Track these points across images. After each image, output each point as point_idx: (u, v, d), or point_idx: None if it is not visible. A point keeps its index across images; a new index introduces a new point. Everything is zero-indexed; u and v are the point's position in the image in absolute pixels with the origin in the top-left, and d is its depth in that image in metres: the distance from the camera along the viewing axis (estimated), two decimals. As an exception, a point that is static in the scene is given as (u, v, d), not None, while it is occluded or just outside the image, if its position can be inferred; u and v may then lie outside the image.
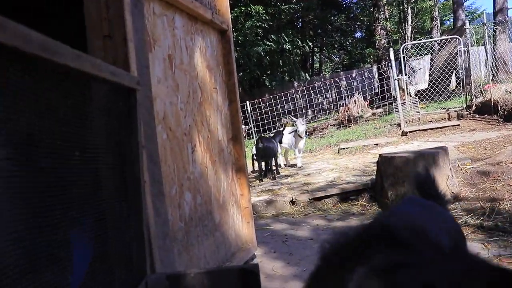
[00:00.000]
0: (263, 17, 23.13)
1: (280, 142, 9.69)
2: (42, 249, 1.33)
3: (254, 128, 17.01)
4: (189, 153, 3.02)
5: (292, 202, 6.35)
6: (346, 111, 16.93)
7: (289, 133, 10.01)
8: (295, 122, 10.07)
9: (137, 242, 2.06)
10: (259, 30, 23.31)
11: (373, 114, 16.92)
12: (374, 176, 6.11)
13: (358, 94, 18.36)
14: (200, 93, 3.32)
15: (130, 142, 2.06)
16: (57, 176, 1.47)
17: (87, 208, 1.69)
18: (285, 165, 10.78)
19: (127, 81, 2.00)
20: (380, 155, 5.67)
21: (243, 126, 15.22)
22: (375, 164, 6.01)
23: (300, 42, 26.33)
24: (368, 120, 16.13)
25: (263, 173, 9.16)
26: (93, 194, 1.74)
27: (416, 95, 15.86)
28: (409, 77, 15.02)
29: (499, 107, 11.67)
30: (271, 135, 10.11)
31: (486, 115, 12.04)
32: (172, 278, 2.05)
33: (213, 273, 2.03)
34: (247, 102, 16.56)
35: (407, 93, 14.54)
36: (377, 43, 24.04)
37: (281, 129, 10.49)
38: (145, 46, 2.47)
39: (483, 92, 12.97)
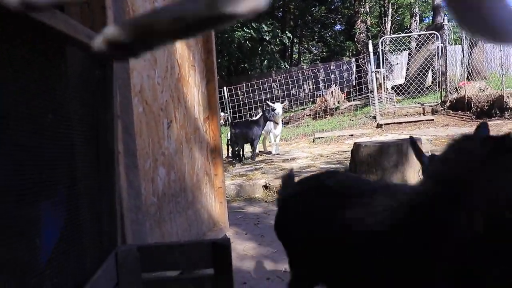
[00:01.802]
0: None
1: (264, 125, 9.71)
2: (9, 216, 1.29)
3: (230, 115, 16.97)
4: (165, 129, 2.99)
5: (266, 187, 6.37)
6: (323, 102, 17.01)
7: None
8: (271, 106, 10.12)
9: (109, 213, 2.04)
10: (239, 17, 23.20)
11: (350, 106, 17.03)
12: (348, 165, 6.16)
13: (336, 85, 18.45)
14: (178, 69, 3.28)
15: (105, 111, 2.03)
16: (28, 136, 1.43)
17: (58, 174, 1.66)
18: (260, 152, 10.81)
19: (104, 48, 1.96)
20: (355, 143, 5.72)
21: (221, 114, 15.22)
22: (349, 153, 6.07)
23: (280, 32, 26.29)
24: (344, 112, 16.25)
25: (237, 158, 9.23)
26: (65, 160, 1.71)
27: (392, 88, 16.03)
28: (386, 71, 15.16)
29: (473, 104, 11.90)
30: (255, 118, 10.21)
31: (459, 111, 12.27)
32: (143, 250, 2.03)
33: (184, 246, 2.02)
34: (225, 87, 16.49)
35: (384, 89, 14.67)
36: (356, 36, 24.16)
37: (257, 116, 10.54)
38: (124, 16, 2.43)
39: (458, 89, 13.19)
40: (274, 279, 3.45)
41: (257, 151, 10.54)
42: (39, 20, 1.32)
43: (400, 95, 15.41)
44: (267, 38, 24.50)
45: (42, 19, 1.34)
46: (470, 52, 13.61)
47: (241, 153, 9.36)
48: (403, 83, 16.29)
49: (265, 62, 26.29)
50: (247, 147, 10.06)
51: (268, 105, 10.57)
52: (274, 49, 27.55)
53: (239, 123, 9.77)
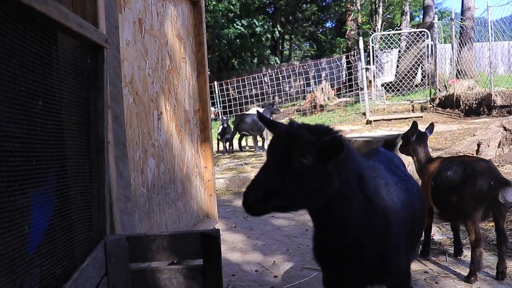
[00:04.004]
0: (233, 1, 23.06)
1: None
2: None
3: (221, 109, 16.96)
4: (155, 120, 2.99)
5: (255, 181, 6.39)
6: (313, 98, 17.03)
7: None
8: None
9: (98, 202, 2.03)
10: (230, 14, 23.21)
11: (339, 102, 17.07)
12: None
13: (326, 82, 18.48)
14: (169, 61, 3.28)
15: (96, 100, 2.02)
16: (17, 123, 1.42)
17: (48, 162, 1.65)
18: (250, 147, 10.86)
19: (95, 36, 1.95)
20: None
21: (212, 108, 15.22)
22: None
23: (271, 27, 26.30)
24: (334, 109, 16.29)
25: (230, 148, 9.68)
26: (55, 148, 1.70)
27: (382, 85, 16.09)
28: (376, 68, 15.22)
29: (461, 102, 11.99)
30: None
31: (448, 109, 12.36)
32: (132, 240, 2.03)
33: (173, 237, 2.03)
34: (215, 82, 16.47)
35: (374, 86, 14.73)
36: (347, 34, 24.21)
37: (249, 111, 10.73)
38: (115, 5, 2.42)
39: (447, 87, 13.28)
40: (262, 271, 3.47)
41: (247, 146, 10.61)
42: (30, 6, 1.31)
43: (390, 92, 15.47)
44: (258, 31, 24.48)
45: (33, 5, 1.33)
46: (459, 50, 13.70)
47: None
48: (393, 81, 16.36)
49: (256, 59, 26.29)
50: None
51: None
52: (265, 44, 27.53)
53: (245, 115, 10.23)
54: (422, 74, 16.31)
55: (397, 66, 17.75)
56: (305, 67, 21.88)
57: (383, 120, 12.03)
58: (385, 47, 15.77)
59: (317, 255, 2.04)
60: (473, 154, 6.29)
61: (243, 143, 11.11)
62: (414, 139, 3.68)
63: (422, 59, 14.95)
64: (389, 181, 2.13)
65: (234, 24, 23.58)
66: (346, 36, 24.72)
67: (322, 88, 17.65)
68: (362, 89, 13.87)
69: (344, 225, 1.81)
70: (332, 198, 1.74)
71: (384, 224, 1.88)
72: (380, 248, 1.88)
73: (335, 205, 1.76)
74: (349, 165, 1.81)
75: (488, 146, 6.47)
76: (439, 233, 4.20)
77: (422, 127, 10.20)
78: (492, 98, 11.04)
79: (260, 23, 24.54)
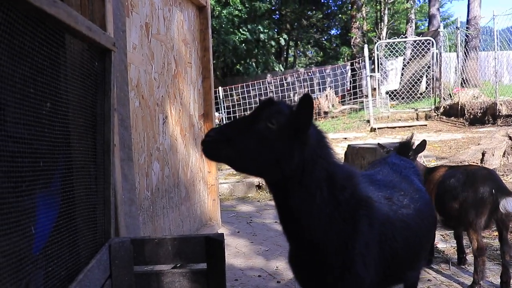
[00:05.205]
0: (239, 7, 23.14)
1: None
2: (6, 205, 1.29)
3: (225, 115, 16.99)
4: (160, 124, 3.00)
5: (259, 187, 6.39)
6: (317, 105, 17.03)
7: None
8: None
9: (104, 204, 2.04)
10: (235, 19, 23.29)
11: (343, 109, 17.08)
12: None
13: (331, 89, 18.50)
14: (175, 65, 3.30)
15: (103, 103, 2.03)
16: (26, 125, 1.43)
17: (55, 163, 1.66)
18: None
19: (104, 40, 1.97)
20: (349, 145, 5.75)
21: (216, 114, 15.23)
22: (343, 156, 6.09)
23: (276, 34, 26.34)
24: (338, 115, 16.30)
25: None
26: (61, 150, 1.71)
27: (387, 93, 16.09)
28: (381, 75, 15.23)
29: (466, 111, 11.97)
30: None
31: (452, 118, 12.34)
32: (136, 243, 2.04)
33: (178, 240, 2.03)
34: (220, 88, 16.51)
35: (378, 93, 14.73)
36: (352, 41, 24.24)
37: None
38: (123, 10, 2.44)
39: (452, 95, 13.27)
40: (265, 277, 3.46)
41: None
42: (40, 8, 1.33)
43: (394, 100, 15.48)
44: (263, 38, 24.52)
45: (44, 7, 1.34)
46: (464, 59, 13.70)
47: None
48: (398, 89, 16.36)
49: (260, 64, 26.32)
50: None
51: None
52: (270, 51, 27.56)
53: None
54: (426, 82, 16.30)
55: (402, 74, 17.75)
56: (309, 73, 21.90)
57: (387, 127, 12.05)
58: (390, 55, 15.79)
59: (288, 259, 2.00)
60: (477, 163, 6.27)
61: None
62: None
63: (427, 67, 14.96)
64: (378, 193, 2.07)
65: (240, 30, 23.63)
66: (351, 44, 24.75)
67: (326, 95, 17.67)
68: (366, 96, 13.88)
69: (302, 218, 1.76)
70: (286, 179, 1.72)
71: (350, 231, 1.82)
72: (343, 255, 1.81)
73: (293, 193, 1.74)
74: (317, 159, 1.78)
75: (493, 155, 6.46)
76: (443, 241, 4.19)
77: (426, 135, 10.15)
78: (497, 108, 11.04)
79: (266, 30, 24.59)
